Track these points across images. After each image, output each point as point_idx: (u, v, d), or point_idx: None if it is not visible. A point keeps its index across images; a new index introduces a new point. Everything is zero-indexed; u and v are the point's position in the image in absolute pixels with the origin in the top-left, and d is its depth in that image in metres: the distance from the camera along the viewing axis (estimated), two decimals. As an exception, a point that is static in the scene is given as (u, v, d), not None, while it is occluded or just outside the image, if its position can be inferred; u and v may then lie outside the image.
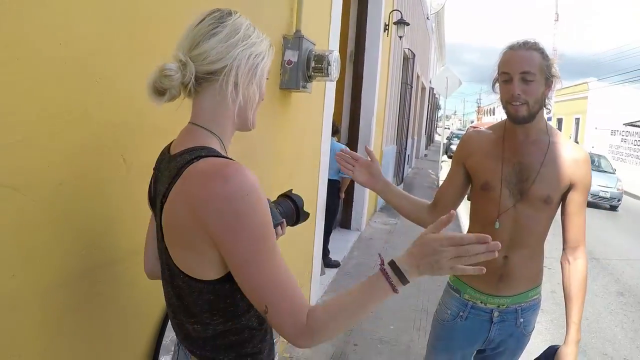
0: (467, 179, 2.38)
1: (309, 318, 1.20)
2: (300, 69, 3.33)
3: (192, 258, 1.26)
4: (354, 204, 8.63)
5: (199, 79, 1.31)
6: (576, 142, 36.02)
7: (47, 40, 1.46)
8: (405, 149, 15.22)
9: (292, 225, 1.91)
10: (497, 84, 2.20)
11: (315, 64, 3.41)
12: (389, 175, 11.89)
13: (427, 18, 19.09)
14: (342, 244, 7.89)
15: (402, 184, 14.21)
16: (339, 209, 8.49)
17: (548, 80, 2.08)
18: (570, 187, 2.20)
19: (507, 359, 2.45)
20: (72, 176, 1.61)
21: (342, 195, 7.24)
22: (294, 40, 3.36)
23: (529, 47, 2.07)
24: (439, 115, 50.97)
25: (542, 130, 2.21)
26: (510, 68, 2.07)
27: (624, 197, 19.35)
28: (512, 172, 2.20)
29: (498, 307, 2.31)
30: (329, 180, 6.35)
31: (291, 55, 3.30)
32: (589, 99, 34.87)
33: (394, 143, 12.75)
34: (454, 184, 2.41)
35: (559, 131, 2.29)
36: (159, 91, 1.30)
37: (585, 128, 34.78)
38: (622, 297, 7.32)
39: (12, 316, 1.45)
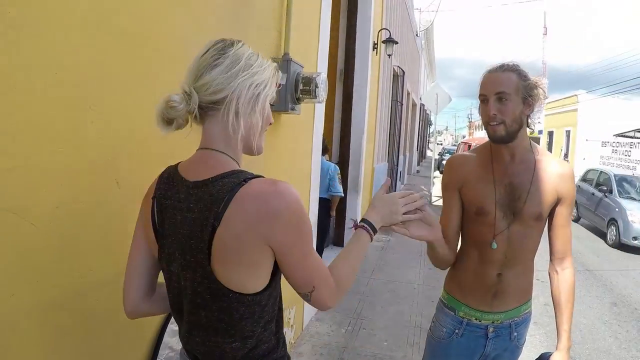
0: (460, 203, 2.37)
1: (334, 279, 1.48)
2: (289, 91, 3.41)
3: (246, 274, 1.36)
4: (345, 222, 8.68)
5: (204, 108, 1.40)
6: (566, 154, 36.36)
7: (42, 70, 1.55)
8: (397, 165, 15.31)
9: None
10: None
11: (303, 86, 3.49)
12: (381, 192, 11.95)
13: (417, 35, 19.28)
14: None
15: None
16: (331, 227, 8.55)
17: (526, 99, 2.12)
18: (557, 202, 2.26)
19: None
20: (68, 199, 1.69)
21: (333, 214, 7.29)
22: (282, 63, 3.44)
23: (505, 69, 2.13)
24: (431, 131, 51.13)
25: (527, 149, 2.25)
26: (486, 89, 2.14)
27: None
28: (504, 193, 2.22)
29: (493, 322, 2.34)
30: (320, 199, 6.41)
31: (280, 79, 3.38)
32: (578, 111, 35.13)
33: (386, 160, 12.83)
34: (454, 211, 2.36)
35: (542, 148, 2.34)
36: (167, 121, 1.38)
37: (576, 140, 34.98)
38: (616, 308, 7.35)
39: (11, 334, 1.52)
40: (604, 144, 30.00)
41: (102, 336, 1.95)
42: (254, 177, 1.36)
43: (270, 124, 1.53)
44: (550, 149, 41.45)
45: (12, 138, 1.45)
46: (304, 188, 4.83)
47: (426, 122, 33.59)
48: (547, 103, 45.57)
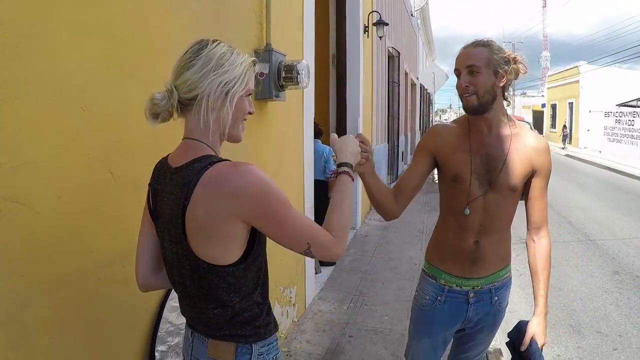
0: (430, 168, 2.46)
1: (330, 233, 1.61)
2: (272, 79, 3.58)
3: (217, 248, 1.53)
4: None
5: (184, 104, 1.59)
6: (571, 126, 36.21)
7: (39, 79, 1.78)
8: (398, 146, 15.41)
9: None
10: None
11: (285, 74, 3.65)
12: (382, 174, 12.08)
13: (412, 15, 19.30)
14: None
15: (397, 181, 14.36)
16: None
17: (497, 72, 2.20)
18: (532, 174, 2.36)
19: (487, 334, 2.60)
20: (68, 190, 1.93)
21: (330, 196, 7.38)
22: (264, 53, 3.60)
23: (477, 45, 2.23)
24: (435, 110, 50.85)
25: (504, 122, 2.34)
26: (458, 64, 2.25)
27: (619, 176, 19.46)
28: (480, 163, 2.31)
29: (473, 288, 2.43)
30: (316, 181, 6.56)
31: (263, 68, 3.55)
32: (580, 83, 35.03)
33: (386, 141, 12.93)
34: (418, 172, 2.44)
35: (519, 123, 2.42)
36: (153, 115, 1.59)
37: (579, 111, 34.91)
38: (618, 276, 7.31)
39: (26, 310, 1.75)
40: (607, 114, 29.89)
41: (106, 311, 2.17)
42: (220, 161, 1.52)
43: (250, 113, 1.69)
44: (553, 121, 41.41)
45: (14, 140, 1.69)
46: (297, 172, 4.99)
47: (428, 101, 33.47)
48: (549, 76, 45.40)
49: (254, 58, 1.68)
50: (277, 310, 4.34)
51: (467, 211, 2.35)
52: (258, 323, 1.67)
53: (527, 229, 2.48)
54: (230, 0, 3.33)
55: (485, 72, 2.19)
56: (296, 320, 5.03)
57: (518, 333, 2.40)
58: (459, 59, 2.26)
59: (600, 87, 32.68)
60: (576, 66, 36.52)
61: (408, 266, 7.06)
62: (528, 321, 2.40)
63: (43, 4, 1.79)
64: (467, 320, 2.49)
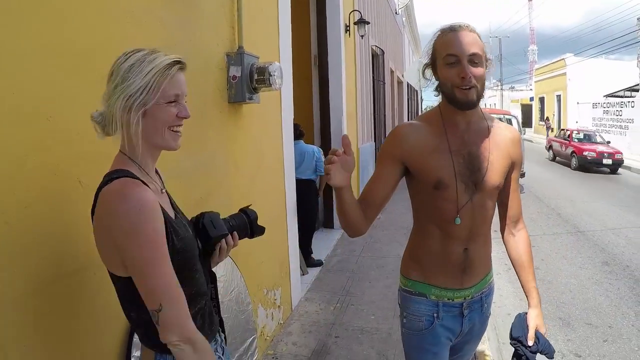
0: (399, 177, 2.17)
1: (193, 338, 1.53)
2: (245, 82, 3.59)
3: (107, 257, 1.57)
4: (334, 203, 8.83)
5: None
6: (559, 118, 36.39)
7: (2, 92, 1.79)
8: (385, 144, 15.41)
9: (249, 237, 2.06)
10: (429, 70, 2.12)
11: (257, 76, 3.67)
12: (369, 172, 12.11)
13: (396, 13, 19.34)
14: (326, 243, 8.07)
15: (361, 193, 14.37)
16: (321, 208, 8.69)
17: (487, 63, 2.01)
18: (511, 168, 2.23)
19: (473, 344, 2.44)
20: (36, 200, 1.93)
21: (321, 194, 7.43)
22: (236, 56, 3.61)
23: (472, 30, 1.99)
24: (424, 107, 51.03)
25: (480, 115, 2.15)
26: (457, 49, 1.94)
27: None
28: (463, 164, 2.08)
29: (464, 299, 2.23)
30: (305, 180, 6.57)
31: (235, 71, 3.56)
32: (567, 75, 35.23)
33: (372, 140, 12.96)
34: (386, 183, 2.13)
35: (487, 113, 2.25)
36: (99, 129, 1.63)
37: (567, 104, 35.12)
38: (607, 267, 7.37)
39: None
40: (594, 105, 30.09)
41: (80, 317, 2.17)
42: (120, 177, 1.53)
43: (183, 117, 1.65)
44: (542, 114, 41.60)
45: None
46: (276, 175, 4.99)
47: (417, 98, 33.55)
48: (537, 69, 45.61)
49: (175, 59, 1.61)
50: (261, 313, 4.33)
51: (459, 220, 2.11)
52: (151, 343, 1.67)
53: (504, 223, 2.37)
54: (200, 4, 3.32)
55: (483, 64, 1.98)
56: (282, 322, 5.03)
57: (523, 328, 2.25)
58: (458, 44, 1.95)
59: (588, 79, 32.89)
60: (563, 59, 36.72)
61: (395, 264, 6.95)
62: (525, 313, 2.29)
63: (6, 19, 1.81)
64: (461, 334, 2.31)
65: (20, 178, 1.86)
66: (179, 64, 1.62)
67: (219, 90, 3.56)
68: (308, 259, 6.80)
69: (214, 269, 1.94)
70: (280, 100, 4.94)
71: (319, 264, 6.97)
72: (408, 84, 25.44)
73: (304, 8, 8.23)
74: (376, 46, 13.28)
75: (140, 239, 1.43)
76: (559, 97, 37.27)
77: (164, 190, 1.75)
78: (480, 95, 2.00)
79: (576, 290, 6.39)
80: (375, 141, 13.32)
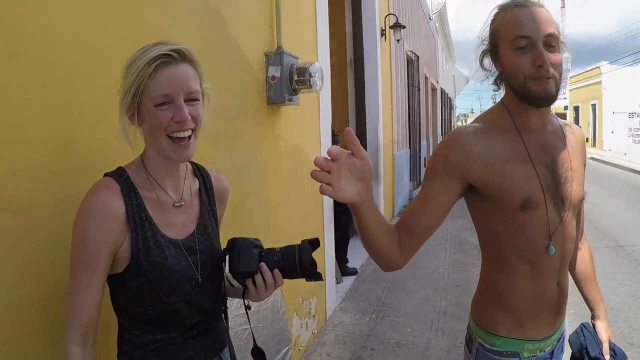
0: (457, 198, 1.69)
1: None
2: (284, 83, 3.47)
3: None
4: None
5: None
6: (595, 128, 35.84)
7: (30, 86, 1.70)
8: (420, 151, 15.24)
9: (297, 277, 1.64)
10: (487, 58, 1.73)
11: (297, 77, 3.54)
12: (404, 180, 11.93)
13: (430, 18, 19.15)
14: (361, 251, 7.92)
15: (419, 187, 14.22)
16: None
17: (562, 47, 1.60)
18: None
19: None
20: (65, 199, 1.82)
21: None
22: (275, 56, 3.49)
23: (541, 5, 1.59)
24: (457, 115, 50.67)
25: (551, 112, 1.76)
26: (530, 30, 1.52)
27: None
28: (549, 176, 1.65)
29: (553, 344, 1.82)
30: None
31: (274, 71, 3.43)
32: (602, 84, 34.58)
33: (407, 147, 12.79)
34: (438, 206, 1.65)
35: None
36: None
37: (602, 113, 34.48)
38: None
39: (20, 323, 1.68)
40: (631, 115, 29.47)
41: (105, 322, 2.04)
42: (105, 176, 1.53)
43: (182, 121, 1.41)
44: (577, 123, 40.97)
45: (9, 146, 1.63)
46: (314, 181, 4.87)
47: (449, 105, 33.31)
48: (570, 77, 45.03)
49: (161, 52, 1.39)
50: (295, 322, 4.20)
51: (553, 249, 1.65)
52: (124, 349, 1.61)
53: None
54: (237, 2, 3.22)
55: (559, 48, 1.57)
56: (316, 332, 4.89)
57: (597, 343, 1.94)
58: (530, 23, 1.53)
59: (624, 88, 32.17)
60: (598, 67, 36.08)
61: (432, 275, 6.87)
62: (592, 324, 2.03)
63: (38, 6, 1.73)
64: None
65: (49, 177, 1.78)
66: (165, 57, 1.39)
67: (258, 91, 3.44)
68: (343, 267, 6.65)
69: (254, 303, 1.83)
70: (319, 103, 4.81)
71: (354, 272, 6.84)
72: (441, 91, 25.23)
73: (340, 10, 8.12)
74: (411, 51, 13.10)
75: (74, 237, 1.43)
76: (594, 106, 36.62)
77: (177, 204, 1.56)
78: (559, 88, 1.58)
79: (617, 308, 6.04)
80: (410, 148, 13.14)
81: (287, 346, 3.60)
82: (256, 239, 1.63)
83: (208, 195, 1.68)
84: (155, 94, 1.38)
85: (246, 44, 3.28)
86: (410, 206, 1.70)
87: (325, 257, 5.13)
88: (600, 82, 34.97)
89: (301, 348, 4.41)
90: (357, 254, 7.49)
